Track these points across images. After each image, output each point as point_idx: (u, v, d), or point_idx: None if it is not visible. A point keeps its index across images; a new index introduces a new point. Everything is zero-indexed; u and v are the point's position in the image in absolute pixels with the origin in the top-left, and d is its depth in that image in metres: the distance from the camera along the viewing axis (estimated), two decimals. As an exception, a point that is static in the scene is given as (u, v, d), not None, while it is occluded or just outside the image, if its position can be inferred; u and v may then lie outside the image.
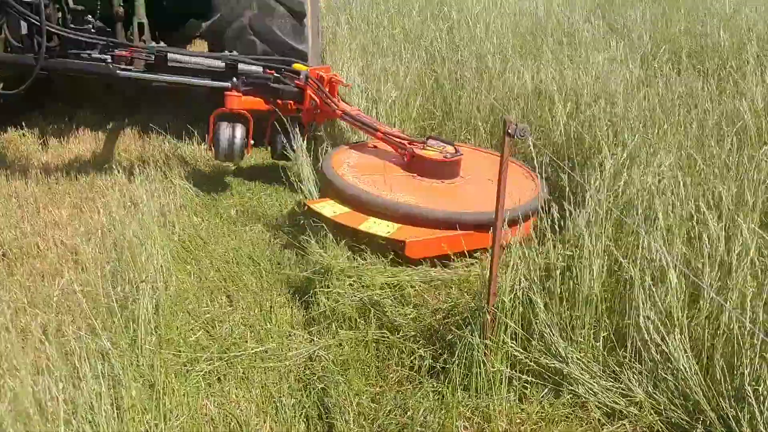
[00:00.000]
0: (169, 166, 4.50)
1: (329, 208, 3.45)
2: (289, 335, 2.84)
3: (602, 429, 2.27)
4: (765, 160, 3.08)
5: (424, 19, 7.51)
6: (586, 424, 2.29)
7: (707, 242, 2.49)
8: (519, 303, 2.52)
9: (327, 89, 4.23)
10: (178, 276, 3.20)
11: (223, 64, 4.16)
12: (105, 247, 3.34)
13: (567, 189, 3.05)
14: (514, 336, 2.49)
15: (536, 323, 2.49)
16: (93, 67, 4.10)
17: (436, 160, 3.77)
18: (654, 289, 2.38)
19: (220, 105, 4.18)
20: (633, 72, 5.04)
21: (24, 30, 3.96)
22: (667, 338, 2.26)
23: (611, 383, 2.36)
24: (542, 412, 2.34)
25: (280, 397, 2.48)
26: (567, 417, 2.32)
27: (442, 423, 2.27)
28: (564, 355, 2.41)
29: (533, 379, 2.43)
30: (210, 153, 4.78)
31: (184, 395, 2.43)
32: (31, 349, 2.48)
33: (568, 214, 2.81)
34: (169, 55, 4.13)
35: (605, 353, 2.45)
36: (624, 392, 2.33)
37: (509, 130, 2.25)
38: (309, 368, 2.63)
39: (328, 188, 3.70)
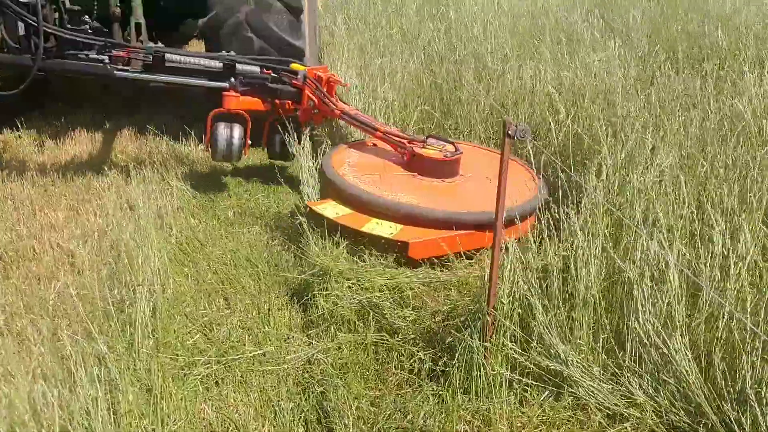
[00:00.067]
0: (166, 168, 4.47)
1: (331, 210, 3.43)
2: (288, 338, 2.82)
3: (603, 432, 2.25)
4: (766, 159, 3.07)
5: (421, 19, 7.49)
6: (588, 427, 2.28)
7: (708, 243, 2.48)
8: (518, 305, 2.50)
9: (325, 89, 4.23)
10: (175, 279, 3.17)
11: (221, 64, 4.15)
12: (101, 249, 3.32)
13: (566, 189, 3.05)
14: (513, 338, 2.48)
15: (535, 325, 2.47)
16: (90, 68, 4.08)
17: (436, 159, 3.76)
18: (653, 290, 2.37)
19: (218, 105, 4.16)
20: (631, 71, 5.03)
21: (21, 31, 3.94)
22: (668, 340, 2.25)
23: (612, 385, 2.34)
24: (543, 415, 2.32)
25: (279, 401, 2.46)
26: (568, 420, 2.30)
27: (442, 427, 2.26)
28: (564, 357, 2.40)
29: (534, 382, 2.41)
30: (207, 153, 4.77)
31: (181, 399, 2.41)
32: (26, 353, 2.46)
33: (565, 216, 2.79)
34: (167, 56, 4.12)
35: (605, 355, 2.43)
36: (625, 394, 2.31)
37: (509, 131, 2.23)
38: (308, 372, 2.61)
39: (329, 188, 3.69)
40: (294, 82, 4.19)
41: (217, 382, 2.55)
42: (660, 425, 2.22)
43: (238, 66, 4.15)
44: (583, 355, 2.42)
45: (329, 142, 4.53)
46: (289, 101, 4.26)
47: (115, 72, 4.10)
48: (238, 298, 3.11)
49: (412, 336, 2.70)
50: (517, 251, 2.59)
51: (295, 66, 4.25)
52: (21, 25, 3.94)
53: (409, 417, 2.30)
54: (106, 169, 4.39)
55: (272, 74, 4.19)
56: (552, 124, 4.15)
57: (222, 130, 4.14)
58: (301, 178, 4.08)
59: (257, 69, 4.18)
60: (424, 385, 2.47)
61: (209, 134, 4.17)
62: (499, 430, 2.26)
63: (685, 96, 4.32)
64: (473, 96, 4.90)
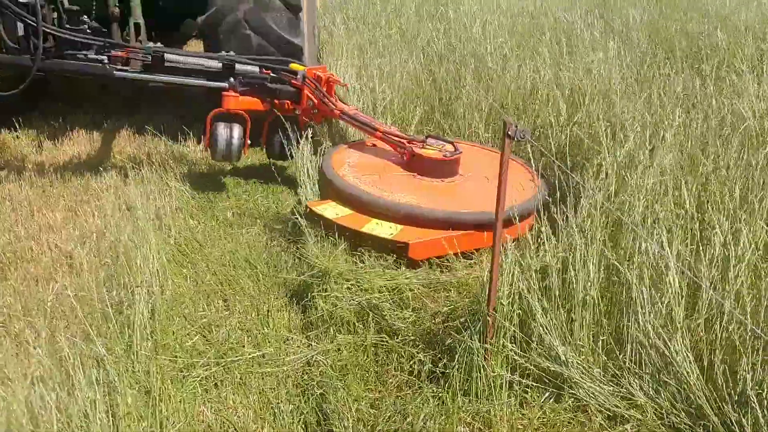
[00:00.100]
0: (164, 168, 4.46)
1: (331, 210, 3.43)
2: (287, 340, 2.80)
3: (604, 434, 2.24)
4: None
5: (420, 19, 7.48)
6: (588, 428, 2.27)
7: (708, 244, 2.47)
8: (518, 306, 2.49)
9: (324, 89, 4.22)
10: (174, 280, 3.16)
11: (220, 64, 4.14)
12: (100, 250, 3.30)
13: (565, 190, 3.04)
14: (513, 340, 2.47)
15: (535, 327, 2.46)
16: (90, 68, 4.08)
17: (435, 159, 3.76)
18: (652, 292, 2.36)
19: (218, 105, 4.15)
20: (631, 71, 5.02)
21: (20, 31, 3.93)
22: (668, 342, 2.24)
23: (612, 387, 2.34)
24: (544, 417, 2.31)
25: (278, 403, 2.45)
26: (569, 422, 2.29)
27: (442, 429, 2.25)
28: (564, 358, 2.39)
29: (534, 384, 2.40)
30: (206, 154, 4.76)
31: (180, 402, 2.40)
32: (24, 356, 2.44)
33: (563, 217, 2.78)
34: (166, 56, 4.11)
35: (605, 356, 2.43)
36: (625, 396, 2.31)
37: (509, 132, 2.22)
38: (307, 373, 2.60)
39: (329, 188, 3.68)
40: (293, 82, 4.19)
41: (216, 384, 2.54)
42: (661, 427, 2.21)
43: (237, 66, 4.15)
44: (583, 357, 2.41)
45: (329, 143, 4.52)
46: (289, 101, 4.26)
47: (115, 72, 4.09)
48: (237, 299, 3.10)
49: (412, 337, 2.69)
50: (516, 253, 2.59)
51: (294, 66, 4.24)
52: (20, 26, 3.94)
53: (409, 419, 2.29)
54: (104, 169, 4.38)
55: (271, 74, 4.18)
56: (552, 124, 4.15)
57: (221, 130, 4.14)
58: (300, 178, 4.07)
59: (257, 69, 4.18)
60: (424, 386, 2.46)
61: (209, 134, 4.16)
62: (500, 433, 2.25)
63: (684, 96, 4.31)
64: (473, 96, 4.89)
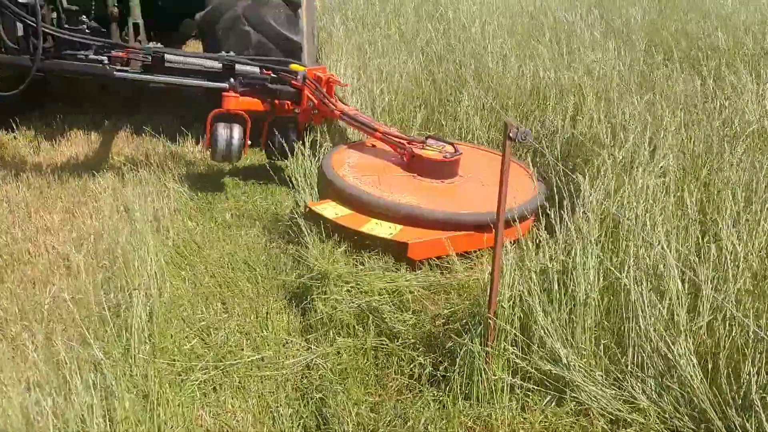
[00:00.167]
0: (162, 169, 4.44)
1: (331, 210, 3.42)
2: (286, 343, 2.78)
3: (607, 438, 2.22)
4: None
5: (419, 19, 7.45)
6: (591, 433, 2.25)
7: (710, 246, 2.45)
8: (519, 309, 2.47)
9: (324, 89, 4.21)
10: (172, 282, 3.14)
11: (221, 64, 4.13)
12: (97, 253, 3.28)
13: (565, 191, 3.02)
14: (514, 343, 2.45)
15: (536, 329, 2.44)
16: (89, 68, 4.07)
17: (435, 159, 3.75)
18: (652, 295, 2.34)
19: (218, 106, 4.14)
20: (631, 71, 5.00)
21: (20, 31, 3.91)
22: (672, 345, 2.22)
23: (615, 390, 2.31)
24: (545, 421, 2.29)
25: (277, 407, 2.42)
26: (571, 426, 2.27)
27: (443, 433, 2.23)
28: (566, 361, 2.37)
29: (535, 387, 2.38)
30: (204, 154, 4.74)
31: (178, 406, 2.37)
32: (21, 359, 2.42)
33: (560, 219, 2.76)
34: (166, 56, 4.10)
35: (607, 360, 2.40)
36: (628, 399, 2.28)
37: (510, 134, 2.20)
38: (306, 377, 2.57)
39: (329, 189, 3.67)
40: (293, 82, 4.19)
41: (214, 388, 2.51)
42: (664, 431, 2.18)
43: (237, 66, 4.14)
44: (585, 360, 2.39)
45: (329, 143, 4.49)
46: (289, 102, 4.25)
47: (114, 72, 4.08)
48: (236, 301, 3.07)
49: (412, 340, 2.67)
50: (517, 255, 2.57)
51: (294, 66, 4.24)
52: (19, 26, 3.92)
53: (409, 423, 2.27)
54: (102, 170, 4.36)
55: (272, 74, 4.17)
56: (552, 125, 4.13)
57: (221, 130, 4.13)
58: (299, 179, 4.05)
59: (257, 69, 4.17)
60: (424, 390, 2.44)
61: (209, 134, 4.15)
62: (501, 437, 2.23)
63: (685, 97, 4.29)
64: (473, 97, 4.87)
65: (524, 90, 4.91)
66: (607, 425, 2.25)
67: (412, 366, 2.56)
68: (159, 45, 4.34)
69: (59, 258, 3.29)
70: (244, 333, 2.84)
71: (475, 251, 3.22)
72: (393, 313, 2.78)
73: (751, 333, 2.18)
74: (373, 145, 4.17)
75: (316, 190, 3.92)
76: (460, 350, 2.42)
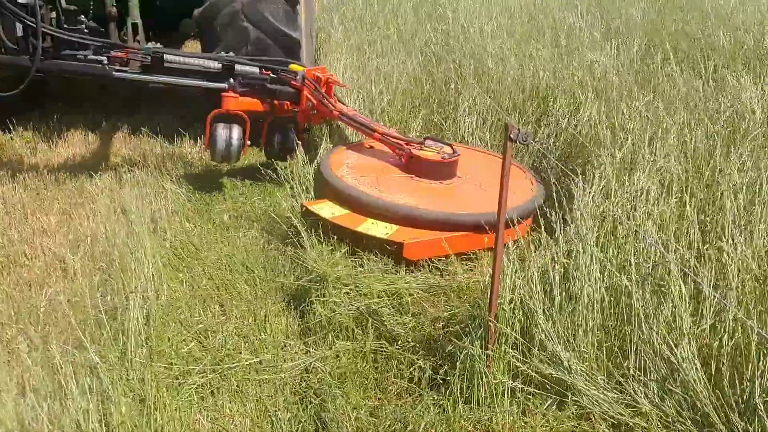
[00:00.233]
0: (160, 170, 4.41)
1: (327, 210, 3.42)
2: (285, 346, 2.75)
3: (609, 442, 2.20)
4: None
5: (419, 20, 7.43)
6: (592, 437, 2.22)
7: (713, 247, 2.43)
8: (520, 312, 2.45)
9: (323, 90, 4.19)
10: (169, 284, 3.11)
11: (220, 65, 4.11)
12: (94, 255, 3.25)
13: (565, 193, 3.00)
14: (515, 346, 2.42)
15: (537, 332, 2.42)
16: (89, 69, 4.05)
17: (433, 160, 3.74)
18: (655, 298, 2.32)
19: (219, 106, 4.12)
20: (631, 71, 4.99)
21: (19, 32, 3.88)
22: (674, 348, 2.20)
23: (617, 394, 2.29)
24: (547, 425, 2.27)
25: (276, 411, 2.40)
26: (572, 430, 2.25)
27: (443, 437, 2.20)
28: (567, 365, 2.34)
29: (536, 390, 2.35)
30: (202, 155, 4.72)
31: (175, 410, 2.34)
32: (16, 363, 2.39)
33: (561, 221, 2.74)
34: (166, 56, 4.08)
35: (609, 363, 2.38)
36: (630, 403, 2.26)
37: (511, 135, 2.17)
38: (305, 381, 2.55)
39: (326, 189, 3.67)
40: (293, 82, 4.18)
41: (212, 392, 2.48)
42: (666, 435, 2.16)
43: (236, 67, 4.13)
44: (587, 363, 2.37)
45: (328, 144, 4.47)
46: (288, 102, 4.24)
47: (113, 73, 4.06)
48: (234, 304, 3.04)
49: (412, 343, 2.64)
50: (517, 257, 2.55)
51: (293, 67, 4.23)
52: (19, 26, 3.89)
53: (409, 428, 2.24)
54: (99, 171, 4.33)
55: (271, 75, 4.15)
56: (553, 126, 4.11)
57: (221, 130, 4.12)
58: (298, 179, 4.03)
59: (256, 70, 4.16)
60: (424, 394, 2.42)
61: (208, 135, 4.14)
62: (502, 441, 2.20)
63: (685, 96, 4.27)
64: (473, 97, 4.85)
65: (524, 90, 4.88)
66: (608, 429, 2.23)
67: (411, 369, 2.54)
68: (158, 45, 4.32)
69: (55, 260, 3.27)
70: (242, 336, 2.82)
71: (472, 252, 3.21)
72: (392, 316, 2.76)
73: (754, 335, 2.16)
74: (372, 146, 4.16)
75: (317, 190, 3.90)
76: (460, 353, 2.40)
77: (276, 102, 4.23)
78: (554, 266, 2.53)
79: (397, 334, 2.68)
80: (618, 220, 2.77)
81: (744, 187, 2.84)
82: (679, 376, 2.20)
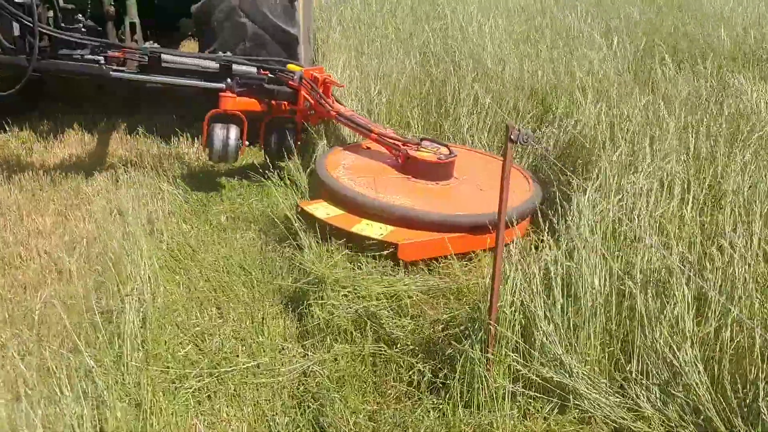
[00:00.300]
0: (157, 171, 4.38)
1: (322, 210, 3.40)
2: (282, 349, 2.72)
3: (610, 446, 2.18)
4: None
5: (417, 20, 7.41)
6: (594, 442, 2.20)
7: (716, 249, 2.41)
8: (521, 314, 2.42)
9: (321, 90, 4.18)
10: (166, 287, 3.07)
11: (217, 65, 4.09)
12: (90, 257, 3.22)
13: (565, 194, 2.98)
14: (516, 349, 2.40)
15: (538, 335, 2.39)
16: (86, 69, 4.03)
17: (429, 161, 3.72)
18: (657, 301, 2.30)
19: (217, 106, 4.09)
20: (631, 71, 4.97)
21: (16, 31, 3.86)
22: (677, 352, 2.17)
23: (619, 398, 2.27)
24: (548, 429, 2.24)
25: (274, 415, 2.37)
26: (574, 434, 2.22)
27: (443, 442, 2.17)
28: (569, 368, 2.32)
29: (537, 394, 2.33)
30: (199, 156, 4.69)
31: (172, 414, 2.31)
32: (10, 367, 2.36)
33: (563, 221, 2.72)
34: (163, 56, 4.06)
35: (611, 366, 2.36)
36: (632, 407, 2.24)
37: (512, 136, 2.15)
38: (303, 384, 2.52)
39: (322, 189, 3.65)
40: (290, 83, 4.16)
41: (209, 396, 2.45)
42: (669, 439, 2.14)
43: (234, 67, 4.11)
44: (588, 366, 2.34)
45: (326, 144, 4.44)
46: (286, 102, 4.22)
47: (111, 72, 4.04)
48: (231, 306, 3.01)
49: (411, 346, 2.61)
50: (518, 259, 2.52)
51: (291, 67, 4.22)
52: (16, 26, 3.86)
53: (408, 432, 2.22)
54: (96, 172, 4.30)
55: (269, 75, 4.13)
56: (553, 126, 4.09)
57: (218, 131, 4.11)
58: (296, 180, 4.00)
59: (254, 70, 4.15)
60: (423, 398, 2.39)
61: (205, 135, 4.11)
62: (502, 446, 2.18)
63: (686, 97, 4.25)
64: (472, 98, 4.82)
65: (523, 90, 4.86)
66: (610, 433, 2.20)
67: (411, 373, 2.51)
68: (155, 45, 4.30)
69: (51, 262, 3.23)
70: (240, 339, 2.79)
71: (469, 253, 3.18)
72: (391, 319, 2.73)
73: (757, 338, 2.13)
74: (369, 147, 4.14)
75: (312, 190, 3.88)
76: (460, 356, 2.37)
77: (273, 102, 4.22)
78: (555, 268, 2.50)
79: (396, 337, 2.66)
80: (618, 221, 2.75)
81: (744, 190, 2.82)
82: (681, 379, 2.18)
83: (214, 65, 4.10)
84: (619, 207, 2.92)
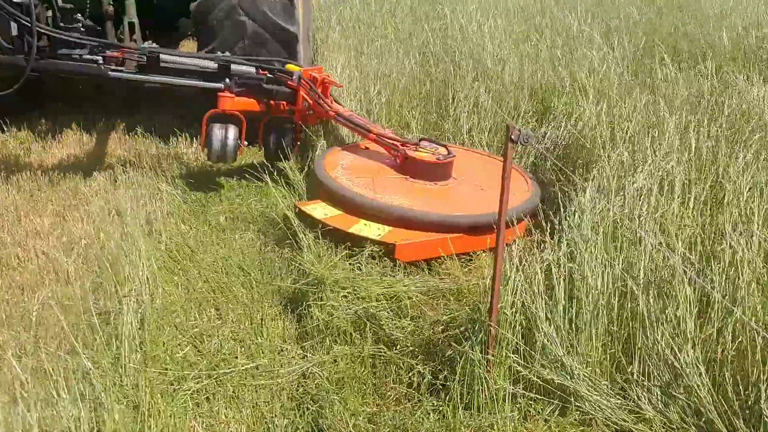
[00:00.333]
0: (155, 171, 4.36)
1: (320, 210, 3.39)
2: (281, 350, 2.71)
3: (612, 449, 2.16)
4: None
5: (416, 20, 7.40)
6: (595, 444, 2.18)
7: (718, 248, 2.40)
8: (521, 316, 2.41)
9: (320, 90, 4.17)
10: (164, 288, 3.06)
11: (216, 64, 4.08)
12: (88, 258, 3.20)
13: (566, 194, 2.96)
14: (516, 351, 2.38)
15: (539, 336, 2.38)
16: (84, 68, 4.02)
17: (428, 161, 3.71)
18: (660, 302, 2.28)
19: (216, 106, 4.08)
20: (631, 71, 4.96)
21: (14, 31, 3.84)
22: (678, 353, 2.16)
23: (620, 400, 2.25)
24: (548, 431, 2.23)
25: (273, 417, 2.35)
26: (575, 437, 2.21)
27: (443, 445, 2.16)
28: (570, 370, 2.30)
29: (538, 396, 2.31)
30: (198, 156, 4.68)
31: (170, 417, 2.30)
32: (7, 369, 2.34)
33: (563, 223, 2.70)
34: (162, 56, 4.05)
35: (613, 368, 2.34)
36: (633, 409, 2.22)
37: (512, 136, 2.13)
38: (302, 386, 2.50)
39: (320, 190, 3.64)
40: (289, 83, 4.16)
41: (207, 398, 2.44)
42: (670, 442, 2.13)
43: (233, 67, 4.10)
44: (590, 368, 2.33)
45: (324, 144, 4.43)
46: (284, 102, 4.21)
47: (109, 72, 4.03)
48: (230, 307, 3.00)
49: (411, 348, 2.60)
50: (517, 260, 2.51)
51: (290, 67, 4.21)
52: (14, 25, 3.85)
53: (408, 434, 2.20)
54: (94, 173, 4.29)
55: (267, 75, 4.12)
56: (553, 126, 4.07)
57: (217, 131, 4.10)
58: (295, 181, 3.98)
59: (252, 70, 4.14)
60: (423, 400, 2.37)
61: (204, 135, 4.10)
62: (503, 448, 2.16)
63: (687, 96, 4.24)
64: (471, 98, 4.81)
65: (523, 90, 4.85)
66: (611, 436, 2.19)
67: (410, 374, 2.49)
68: (154, 45, 4.29)
69: (49, 263, 3.21)
70: (239, 340, 2.77)
71: (467, 254, 3.17)
72: (391, 320, 2.71)
73: (760, 339, 2.12)
74: (368, 147, 4.13)
75: (310, 191, 3.87)
76: (460, 358, 2.36)
77: (272, 102, 4.21)
78: (557, 269, 2.48)
79: (395, 338, 2.64)
80: (620, 221, 2.74)
81: (745, 190, 2.80)
82: (682, 381, 2.17)
83: (212, 65, 4.09)
84: (620, 207, 2.91)
